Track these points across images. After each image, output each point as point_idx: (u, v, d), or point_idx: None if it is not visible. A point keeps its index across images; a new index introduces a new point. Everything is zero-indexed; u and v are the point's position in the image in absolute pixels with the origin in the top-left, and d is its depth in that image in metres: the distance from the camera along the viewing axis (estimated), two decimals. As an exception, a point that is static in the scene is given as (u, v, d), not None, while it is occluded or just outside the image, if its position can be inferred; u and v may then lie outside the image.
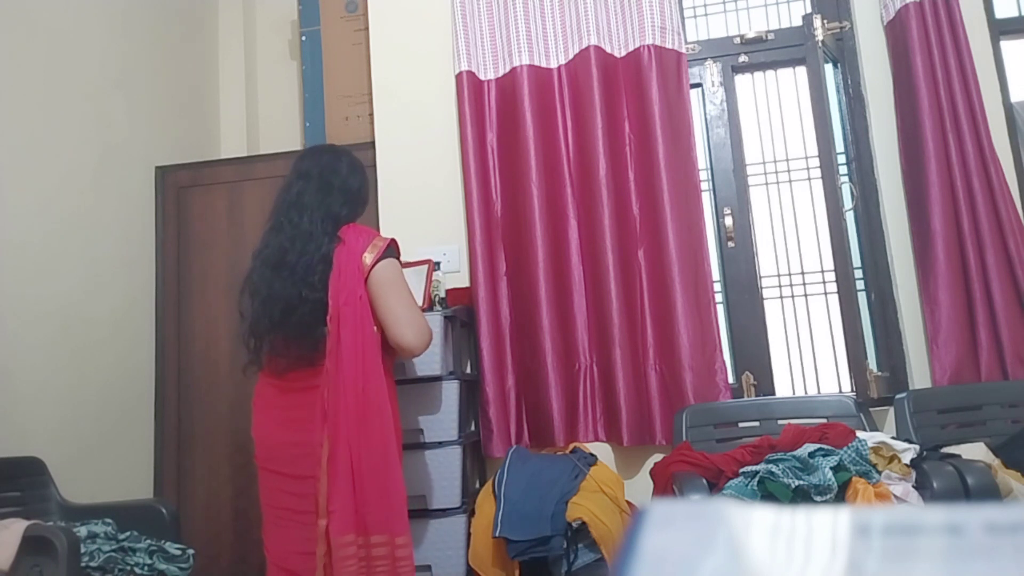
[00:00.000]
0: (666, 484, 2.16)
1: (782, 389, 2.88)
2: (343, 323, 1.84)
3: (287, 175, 2.06)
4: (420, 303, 2.49)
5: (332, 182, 1.99)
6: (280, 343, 1.90)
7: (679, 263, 2.67)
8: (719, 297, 2.90)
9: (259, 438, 1.93)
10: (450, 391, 2.41)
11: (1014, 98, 2.78)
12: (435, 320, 2.46)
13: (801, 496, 1.90)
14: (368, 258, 1.91)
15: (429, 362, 2.44)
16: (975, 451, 2.08)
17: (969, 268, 2.56)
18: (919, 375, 2.65)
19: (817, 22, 2.80)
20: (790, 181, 3.04)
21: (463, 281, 2.82)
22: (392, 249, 1.98)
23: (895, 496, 1.93)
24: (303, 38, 3.55)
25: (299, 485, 1.83)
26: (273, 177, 3.12)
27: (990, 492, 1.83)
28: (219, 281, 3.04)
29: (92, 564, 1.93)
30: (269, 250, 1.93)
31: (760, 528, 0.26)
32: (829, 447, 2.01)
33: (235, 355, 2.99)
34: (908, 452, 2.04)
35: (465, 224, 2.88)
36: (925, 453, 2.08)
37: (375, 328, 1.90)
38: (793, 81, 3.09)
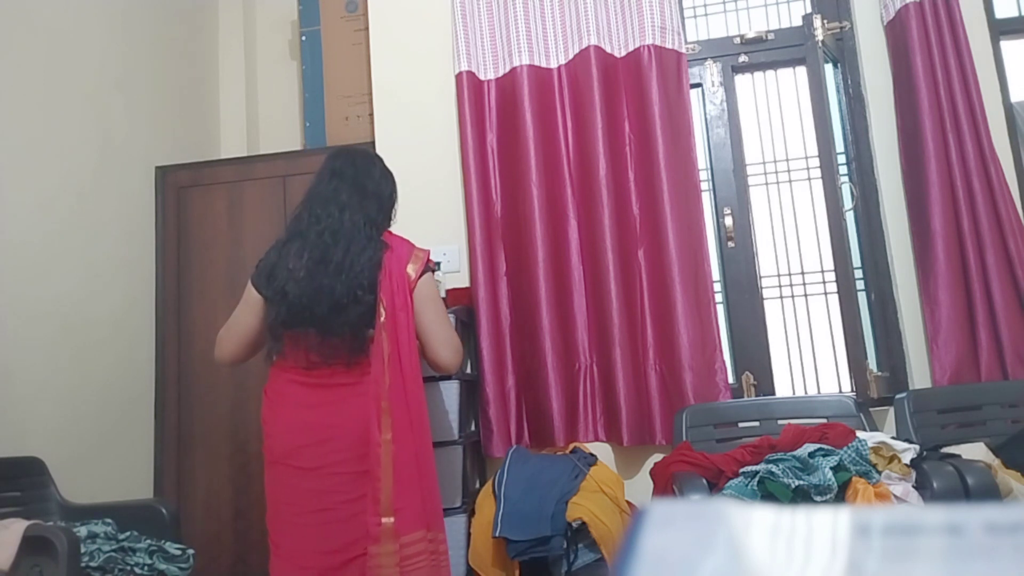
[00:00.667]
0: (666, 484, 2.16)
1: (782, 389, 2.88)
2: (399, 327, 1.86)
3: (319, 171, 2.03)
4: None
5: (366, 186, 1.98)
6: (314, 338, 1.86)
7: (679, 263, 2.67)
8: (719, 297, 2.90)
9: (277, 435, 1.88)
10: (450, 391, 2.41)
11: (1014, 98, 2.78)
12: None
13: (801, 496, 1.90)
14: (412, 270, 1.93)
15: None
16: (975, 451, 2.08)
17: (969, 268, 2.56)
18: (919, 375, 2.65)
19: (817, 22, 2.80)
20: (790, 181, 3.04)
21: (463, 281, 2.82)
22: (430, 264, 2.01)
23: (895, 496, 1.93)
24: (303, 38, 3.55)
25: (323, 481, 1.82)
26: (273, 177, 3.12)
27: (990, 492, 1.83)
28: (219, 281, 3.04)
29: (92, 564, 1.93)
30: (307, 240, 1.88)
31: (760, 528, 0.26)
32: (829, 447, 2.01)
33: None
34: (908, 452, 2.04)
35: (465, 224, 2.88)
36: (925, 453, 2.08)
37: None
38: (793, 81, 3.09)
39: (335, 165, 2.02)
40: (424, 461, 1.88)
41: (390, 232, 2.02)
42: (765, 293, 2.95)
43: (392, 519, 1.78)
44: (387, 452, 1.80)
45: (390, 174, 2.09)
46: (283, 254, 1.91)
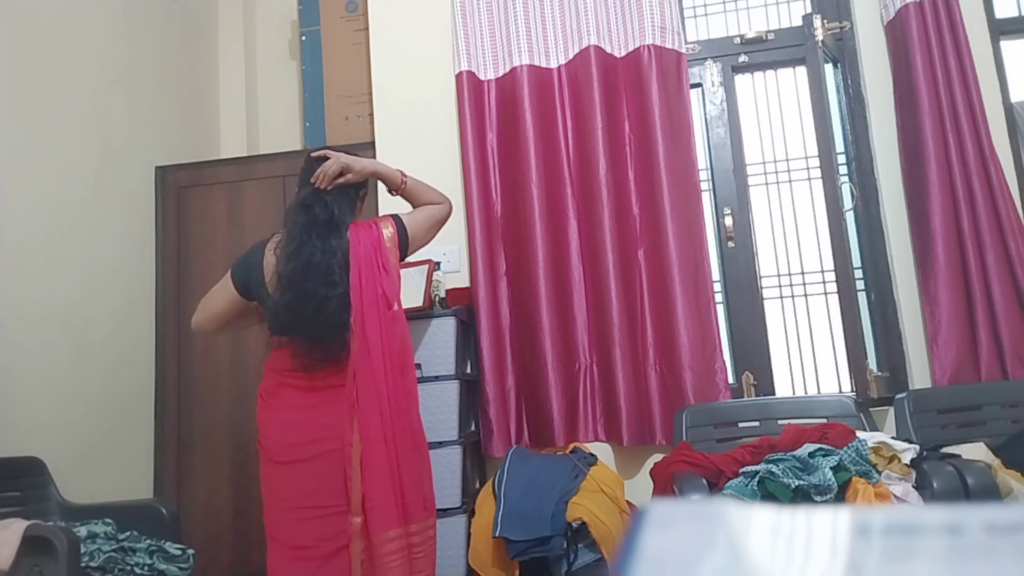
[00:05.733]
0: (666, 484, 2.16)
1: (782, 389, 2.88)
2: (367, 321, 1.88)
3: (296, 198, 2.05)
4: (420, 303, 2.50)
5: (339, 223, 1.99)
6: (304, 342, 1.89)
7: (679, 263, 2.67)
8: (719, 297, 2.90)
9: (272, 436, 1.92)
10: (450, 391, 2.41)
11: (1014, 98, 2.78)
12: (448, 323, 2.47)
13: (801, 496, 1.90)
14: (388, 233, 2.00)
15: (431, 362, 2.44)
16: (975, 451, 2.08)
17: (969, 268, 2.56)
18: (919, 375, 2.65)
19: (817, 22, 2.80)
20: (790, 181, 3.04)
21: (463, 281, 2.82)
22: (397, 216, 2.08)
23: (895, 496, 1.93)
24: (303, 38, 3.55)
25: (318, 479, 1.85)
26: (273, 177, 3.12)
27: (990, 492, 1.83)
28: (219, 281, 3.03)
29: (92, 564, 1.93)
30: (286, 246, 1.95)
31: (760, 528, 0.26)
32: (829, 447, 2.01)
33: (235, 355, 2.99)
34: (908, 452, 2.04)
35: (465, 224, 2.88)
36: (925, 453, 2.08)
37: (397, 308, 1.94)
38: (793, 81, 3.09)
39: (303, 169, 2.08)
40: (401, 456, 1.87)
41: (354, 225, 2.01)
42: (765, 293, 2.95)
43: (360, 519, 1.82)
44: (356, 453, 1.84)
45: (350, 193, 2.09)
46: (268, 258, 1.98)
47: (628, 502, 2.43)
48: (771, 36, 3.04)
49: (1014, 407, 2.40)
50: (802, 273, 2.98)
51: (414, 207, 2.15)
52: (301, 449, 1.87)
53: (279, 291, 1.89)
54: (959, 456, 2.04)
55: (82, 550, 1.89)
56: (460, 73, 2.92)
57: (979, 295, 2.54)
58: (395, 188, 2.13)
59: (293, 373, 1.92)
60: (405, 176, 2.13)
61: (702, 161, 2.99)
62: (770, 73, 3.11)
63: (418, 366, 2.43)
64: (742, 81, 3.10)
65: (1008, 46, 2.85)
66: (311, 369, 1.89)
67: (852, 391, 2.69)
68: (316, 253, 1.89)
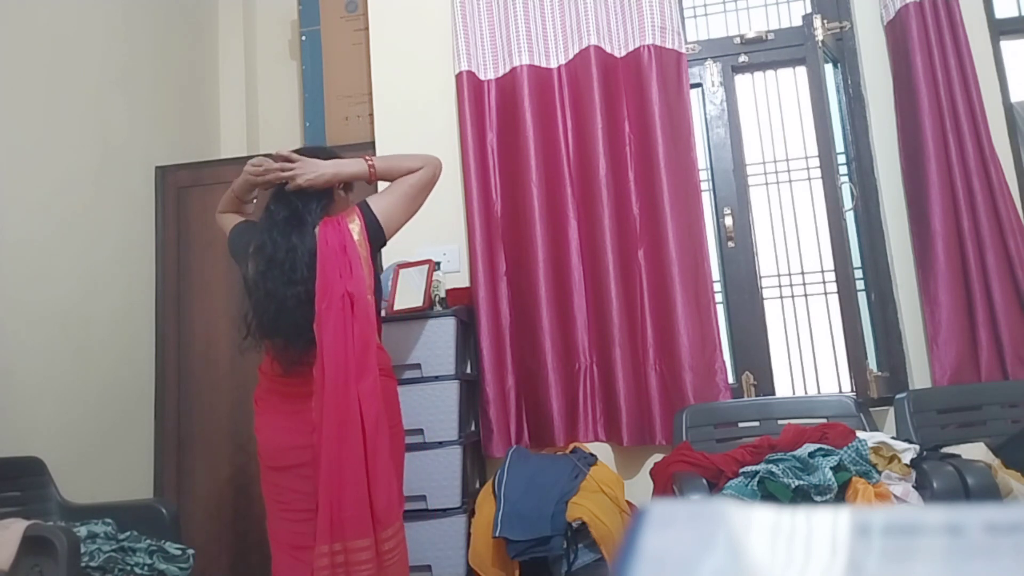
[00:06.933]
0: (666, 484, 2.16)
1: (782, 389, 2.88)
2: (323, 327, 1.81)
3: (267, 203, 2.00)
4: (420, 303, 2.50)
5: (303, 219, 1.94)
6: (280, 345, 1.89)
7: (679, 263, 2.68)
8: (719, 297, 2.90)
9: (264, 440, 1.92)
10: (450, 391, 2.41)
11: (1014, 98, 2.78)
12: (448, 323, 2.46)
13: (801, 496, 1.90)
14: (355, 228, 1.91)
15: (431, 362, 2.44)
16: (975, 451, 2.08)
17: (969, 268, 2.56)
18: (919, 375, 2.65)
19: (817, 22, 2.80)
20: (790, 181, 3.04)
21: (463, 281, 2.82)
22: (364, 204, 1.97)
23: (895, 496, 1.93)
24: (303, 38, 3.55)
25: (312, 483, 1.83)
26: (273, 177, 3.12)
27: (990, 492, 1.83)
28: (219, 281, 3.04)
29: (92, 564, 1.93)
30: (259, 248, 1.92)
31: (760, 528, 0.26)
32: (829, 447, 2.01)
33: (235, 355, 2.99)
34: (908, 452, 2.04)
35: (465, 224, 2.88)
36: (925, 453, 2.08)
37: (372, 321, 1.89)
38: (793, 81, 3.09)
39: (273, 207, 1.99)
40: (347, 468, 1.76)
41: (326, 220, 1.93)
42: (765, 293, 2.95)
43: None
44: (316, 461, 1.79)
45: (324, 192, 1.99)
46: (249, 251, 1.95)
47: (628, 502, 2.43)
48: (771, 36, 3.04)
49: (1014, 407, 2.40)
50: (802, 273, 2.98)
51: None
52: (290, 455, 1.86)
53: (249, 293, 1.89)
54: (959, 456, 2.04)
55: (82, 550, 1.89)
56: (460, 73, 2.92)
57: (979, 295, 2.54)
58: (367, 182, 2.03)
59: (275, 377, 1.91)
60: (372, 162, 1.98)
61: (702, 161, 2.99)
62: (770, 73, 3.11)
63: (418, 366, 2.44)
64: (742, 81, 3.10)
65: (1008, 46, 2.85)
66: (288, 373, 1.88)
67: (852, 391, 2.69)
68: (280, 251, 1.86)
